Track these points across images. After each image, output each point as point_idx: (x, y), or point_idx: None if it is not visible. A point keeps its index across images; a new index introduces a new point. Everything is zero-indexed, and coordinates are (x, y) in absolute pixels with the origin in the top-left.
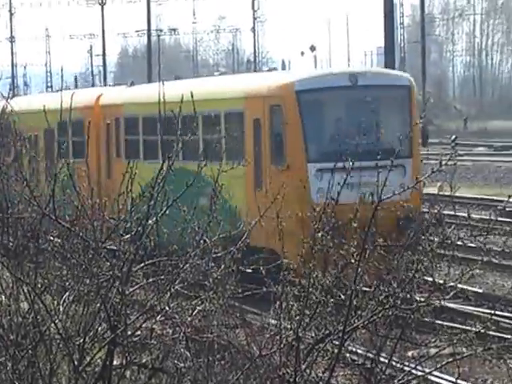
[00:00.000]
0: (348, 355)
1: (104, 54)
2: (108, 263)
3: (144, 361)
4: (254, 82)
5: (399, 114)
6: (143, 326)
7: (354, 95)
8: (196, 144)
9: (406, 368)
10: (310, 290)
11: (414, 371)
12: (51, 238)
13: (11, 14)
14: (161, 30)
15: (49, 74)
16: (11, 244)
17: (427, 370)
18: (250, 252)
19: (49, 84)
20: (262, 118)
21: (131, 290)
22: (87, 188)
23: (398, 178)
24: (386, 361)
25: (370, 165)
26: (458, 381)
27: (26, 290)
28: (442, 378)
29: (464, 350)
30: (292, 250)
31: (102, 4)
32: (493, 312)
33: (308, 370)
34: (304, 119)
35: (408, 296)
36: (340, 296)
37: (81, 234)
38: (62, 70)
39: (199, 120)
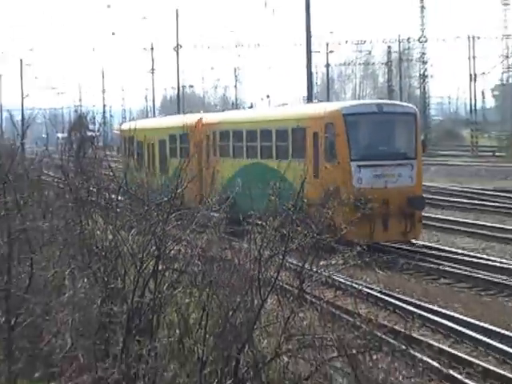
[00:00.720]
0: (287, 264)
1: (154, 100)
2: (155, 213)
3: (175, 267)
4: (312, 108)
5: (408, 130)
6: (175, 248)
7: (380, 118)
8: (269, 148)
9: (319, 271)
10: (267, 228)
11: (324, 273)
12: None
13: (103, 78)
14: (184, 86)
15: (123, 111)
16: (103, 202)
17: (331, 273)
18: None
19: (124, 117)
20: (320, 132)
21: (168, 228)
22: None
23: (408, 172)
24: (309, 267)
25: (391, 163)
26: (347, 278)
27: (110, 228)
28: (338, 277)
29: (351, 261)
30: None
31: (152, 72)
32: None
33: (265, 273)
34: (348, 133)
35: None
36: (283, 231)
37: (140, 197)
38: (130, 109)
39: (273, 132)
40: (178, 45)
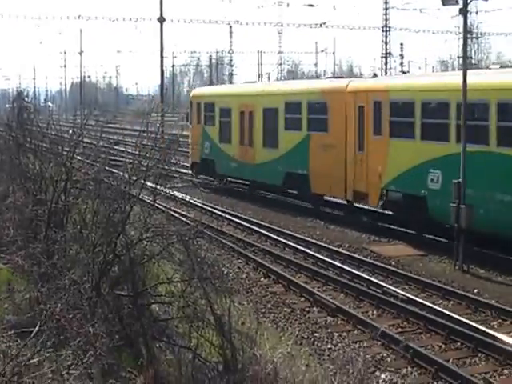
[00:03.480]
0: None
1: (65, 84)
2: (65, 153)
3: (77, 186)
4: None
5: None
6: (77, 174)
7: None
8: None
9: (165, 190)
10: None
11: (168, 191)
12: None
13: (34, 71)
14: (84, 76)
15: (46, 90)
16: (33, 146)
17: (172, 191)
18: None
19: (47, 94)
20: None
21: (73, 161)
22: (322, 152)
23: None
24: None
25: None
26: (183, 194)
27: (38, 161)
28: (177, 194)
29: (185, 184)
30: None
31: (65, 66)
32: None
33: (133, 190)
34: None
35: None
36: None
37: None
38: (50, 89)
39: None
40: (81, 51)
